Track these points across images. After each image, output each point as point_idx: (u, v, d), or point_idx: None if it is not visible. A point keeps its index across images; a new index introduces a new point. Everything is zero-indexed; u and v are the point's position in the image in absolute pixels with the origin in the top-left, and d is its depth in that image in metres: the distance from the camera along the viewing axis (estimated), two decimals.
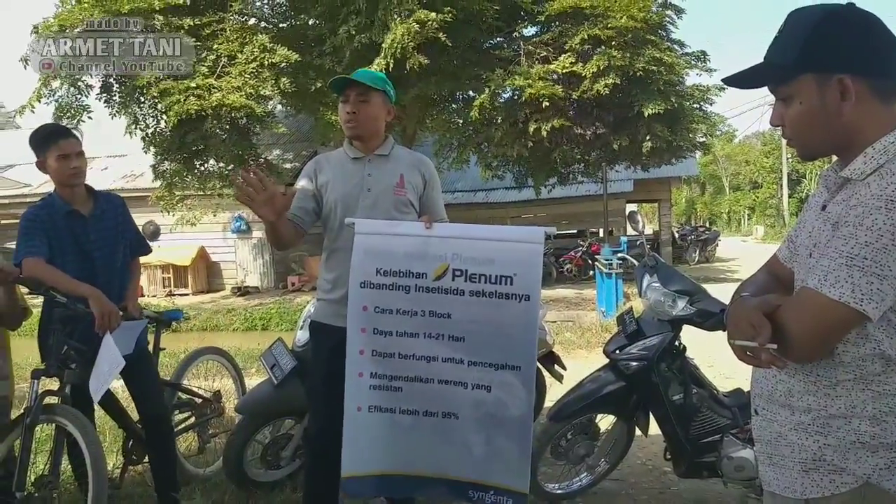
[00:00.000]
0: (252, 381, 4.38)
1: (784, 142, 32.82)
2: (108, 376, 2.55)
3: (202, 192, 13.03)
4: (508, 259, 2.07)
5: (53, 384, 2.59)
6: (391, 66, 9.02)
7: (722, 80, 1.32)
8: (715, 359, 4.59)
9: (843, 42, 1.19)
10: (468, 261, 2.08)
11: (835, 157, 1.32)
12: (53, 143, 2.62)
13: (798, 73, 1.22)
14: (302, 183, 2.50)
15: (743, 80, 1.30)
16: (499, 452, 2.16)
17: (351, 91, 2.42)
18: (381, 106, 2.47)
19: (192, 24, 10.15)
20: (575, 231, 17.70)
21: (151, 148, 11.86)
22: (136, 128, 11.57)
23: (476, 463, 2.18)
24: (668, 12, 11.09)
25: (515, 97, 10.51)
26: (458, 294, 2.09)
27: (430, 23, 9.08)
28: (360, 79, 2.41)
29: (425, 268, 2.12)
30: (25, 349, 3.79)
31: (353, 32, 9.63)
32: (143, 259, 3.23)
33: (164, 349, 3.38)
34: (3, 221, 15.18)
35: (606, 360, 3.01)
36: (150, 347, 3.10)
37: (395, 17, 9.20)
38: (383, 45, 9.22)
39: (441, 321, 2.12)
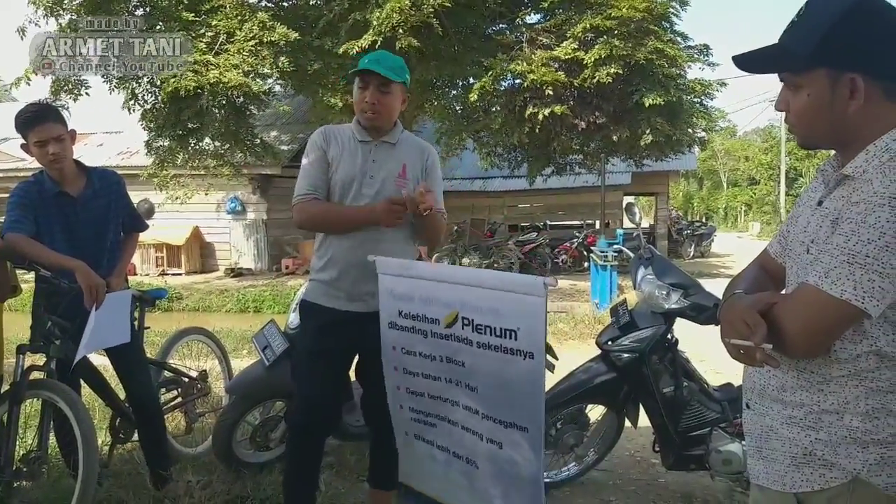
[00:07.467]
0: (243, 363, 4.37)
1: (784, 139, 32.86)
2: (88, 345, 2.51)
3: (195, 171, 12.92)
4: (512, 311, 1.93)
5: (42, 360, 2.57)
6: (378, 43, 8.79)
7: (732, 59, 1.26)
8: (707, 353, 4.59)
9: (863, 41, 1.15)
10: (474, 310, 1.98)
11: (832, 152, 1.31)
12: (30, 129, 2.58)
13: (812, 65, 1.18)
14: (313, 155, 2.40)
15: (754, 62, 1.26)
16: None
17: (372, 79, 2.32)
18: (399, 96, 2.40)
19: None
20: (581, 223, 17.21)
21: (146, 123, 11.71)
22: (134, 103, 11.43)
23: None
24: (673, 3, 10.98)
25: (517, 84, 10.41)
26: (468, 344, 2.01)
27: (425, 6, 8.93)
28: (384, 69, 2.30)
29: (437, 314, 2.06)
30: (18, 325, 3.77)
31: (347, 6, 9.46)
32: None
33: (149, 328, 3.35)
34: None
35: (598, 352, 3.01)
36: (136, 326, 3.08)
37: None
38: (373, 20, 9.03)
39: (457, 368, 2.07)
